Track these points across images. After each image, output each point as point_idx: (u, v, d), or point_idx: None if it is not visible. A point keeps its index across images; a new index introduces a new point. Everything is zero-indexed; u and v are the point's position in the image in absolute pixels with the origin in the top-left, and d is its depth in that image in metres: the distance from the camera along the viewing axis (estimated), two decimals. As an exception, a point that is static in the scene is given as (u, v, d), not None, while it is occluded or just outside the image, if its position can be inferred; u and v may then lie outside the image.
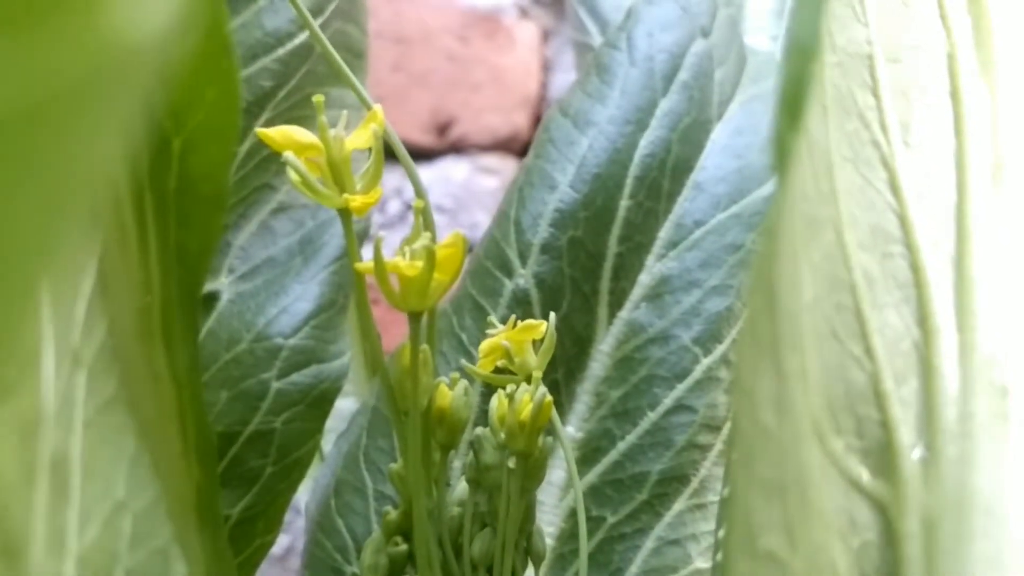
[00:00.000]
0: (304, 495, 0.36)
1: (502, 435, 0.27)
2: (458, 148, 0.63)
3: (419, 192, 0.26)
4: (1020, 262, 0.22)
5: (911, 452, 0.20)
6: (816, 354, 0.19)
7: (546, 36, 0.66)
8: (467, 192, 0.62)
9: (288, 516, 0.44)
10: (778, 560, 0.18)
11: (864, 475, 0.20)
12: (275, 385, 0.33)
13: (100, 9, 0.07)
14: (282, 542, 0.54)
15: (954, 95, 0.23)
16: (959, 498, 0.20)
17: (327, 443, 0.36)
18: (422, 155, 0.63)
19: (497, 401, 0.27)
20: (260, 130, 0.25)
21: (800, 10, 0.17)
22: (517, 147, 0.64)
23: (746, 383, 0.17)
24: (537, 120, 0.65)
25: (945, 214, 0.22)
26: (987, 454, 0.20)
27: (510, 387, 0.27)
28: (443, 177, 0.62)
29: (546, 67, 0.66)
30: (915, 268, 0.21)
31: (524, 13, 0.67)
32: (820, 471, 0.19)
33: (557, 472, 0.33)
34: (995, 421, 0.20)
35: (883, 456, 0.20)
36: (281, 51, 0.35)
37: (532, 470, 0.27)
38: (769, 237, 0.17)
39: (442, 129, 0.63)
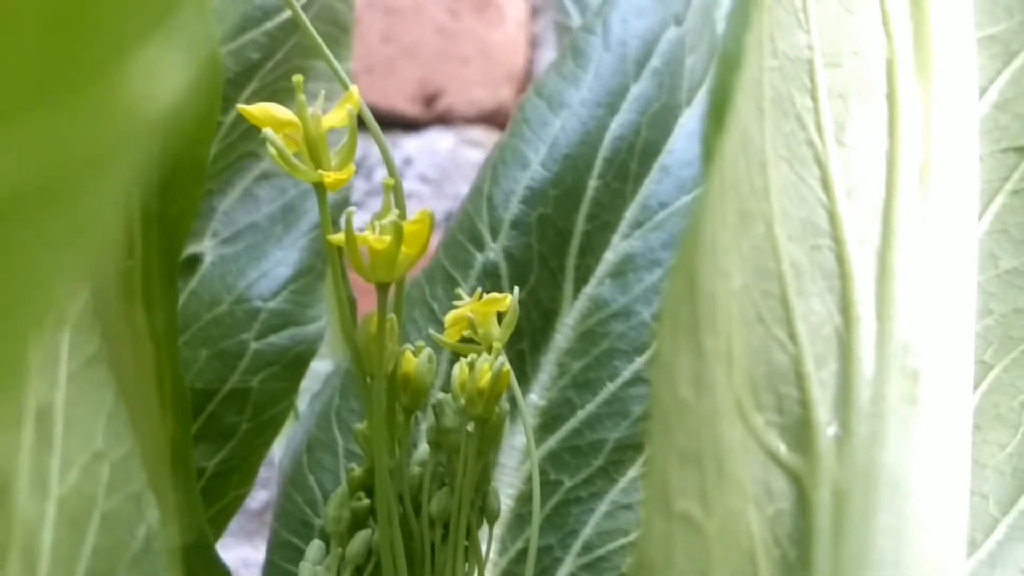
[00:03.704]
0: (279, 451, 0.38)
1: (462, 401, 0.29)
2: (444, 120, 0.65)
3: (391, 170, 0.28)
4: (940, 258, 0.24)
5: (827, 429, 0.22)
6: (742, 337, 0.21)
7: (535, 13, 0.68)
8: (452, 163, 0.63)
9: (268, 474, 0.46)
10: (692, 522, 0.19)
11: (782, 448, 0.22)
12: (253, 346, 0.35)
13: (122, 83, 0.07)
14: (261, 497, 0.56)
15: (890, 98, 0.25)
16: (868, 473, 0.22)
17: (302, 402, 0.38)
18: (409, 125, 0.65)
19: (459, 369, 0.29)
20: (241, 107, 0.26)
21: (730, 26, 0.18)
22: (502, 121, 0.65)
23: (666, 360, 0.18)
24: (523, 94, 0.66)
25: (873, 210, 0.23)
26: (896, 434, 0.22)
27: (471, 356, 0.29)
28: (429, 148, 0.64)
29: (533, 43, 0.67)
30: (841, 260, 0.23)
31: (511, -11, 0.68)
32: (740, 444, 0.21)
33: (519, 437, 0.35)
34: (905, 404, 0.22)
35: (800, 432, 0.22)
36: (269, 24, 0.36)
37: (489, 435, 0.29)
38: (692, 229, 0.18)
39: (429, 100, 0.65)
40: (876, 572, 0.21)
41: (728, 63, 0.18)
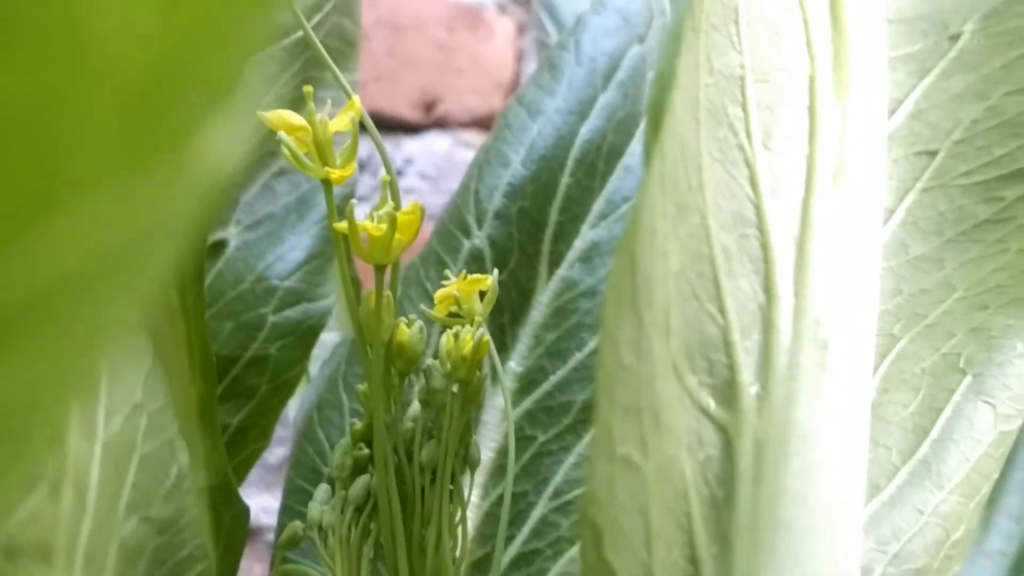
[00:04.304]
0: (293, 410, 0.39)
1: (448, 366, 0.30)
2: (441, 124, 0.66)
3: (388, 169, 0.29)
4: (849, 247, 0.25)
5: (750, 389, 0.23)
6: (679, 311, 0.23)
7: (521, 30, 0.69)
8: (448, 163, 0.65)
9: (285, 432, 0.48)
10: (632, 464, 0.21)
11: (711, 405, 0.23)
12: (271, 319, 0.36)
13: (196, 151, 0.07)
14: (279, 453, 0.57)
15: (811, 110, 0.26)
16: (783, 426, 0.23)
17: (313, 368, 0.39)
18: (410, 129, 0.66)
19: (445, 339, 0.30)
20: (260, 113, 0.28)
21: (665, 50, 0.20)
22: (492, 125, 0.67)
23: (610, 330, 0.20)
24: (511, 102, 0.67)
25: (793, 205, 0.25)
26: (807, 394, 0.23)
27: (456, 328, 0.30)
28: (428, 149, 0.65)
29: (520, 57, 0.68)
30: (764, 247, 0.24)
31: (503, 9, 0.69)
32: (676, 400, 0.22)
33: (499, 399, 0.36)
34: (815, 369, 0.23)
35: (727, 391, 0.23)
36: (286, 41, 0.37)
37: (471, 394, 0.30)
38: (632, 220, 0.20)
39: (428, 107, 0.66)
40: (788, 509, 0.22)
41: (663, 82, 0.19)
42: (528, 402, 0.36)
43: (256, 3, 0.06)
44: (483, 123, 0.67)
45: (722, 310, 0.23)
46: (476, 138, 0.67)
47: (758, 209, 0.24)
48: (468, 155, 0.66)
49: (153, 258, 0.07)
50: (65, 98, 0.06)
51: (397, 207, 0.28)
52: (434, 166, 0.65)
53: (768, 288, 0.24)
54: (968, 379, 0.27)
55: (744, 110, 0.25)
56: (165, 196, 0.07)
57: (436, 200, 0.63)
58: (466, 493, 0.31)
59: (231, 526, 0.27)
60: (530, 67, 0.69)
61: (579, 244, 0.37)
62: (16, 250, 0.06)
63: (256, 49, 0.07)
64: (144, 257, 0.07)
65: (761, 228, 0.24)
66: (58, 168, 0.06)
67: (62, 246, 0.06)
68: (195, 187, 0.07)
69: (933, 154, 0.28)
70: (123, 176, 0.06)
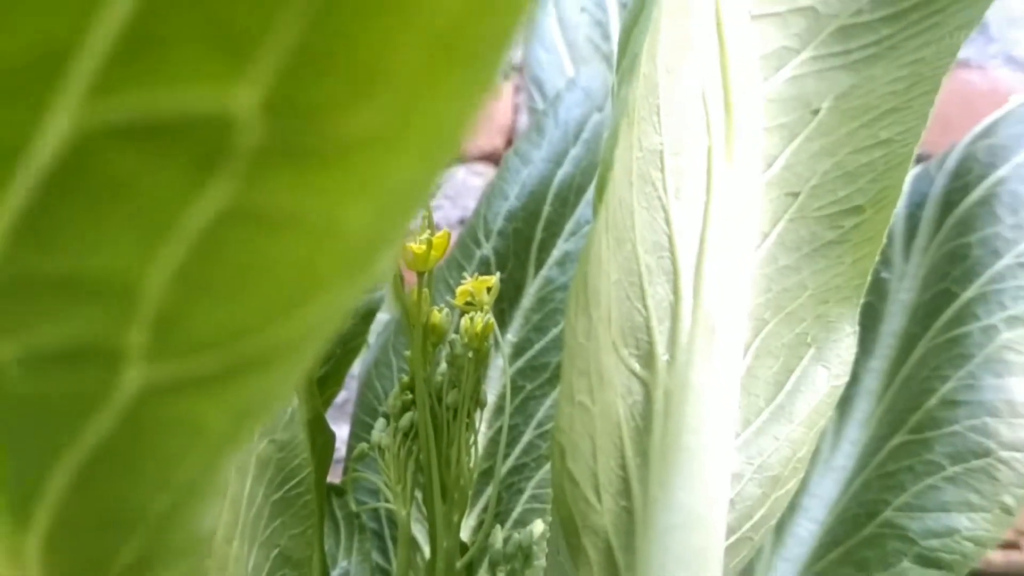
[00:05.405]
0: (357, 367, 0.43)
1: (466, 339, 0.34)
2: (459, 158, 0.70)
3: (427, 205, 0.33)
4: (731, 265, 0.29)
5: (662, 357, 0.27)
6: (616, 308, 0.27)
7: (517, 90, 0.73)
8: (463, 187, 0.68)
9: (348, 381, 0.51)
10: (584, 406, 0.25)
11: (637, 367, 0.27)
12: (342, 304, 0.40)
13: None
14: (342, 396, 0.61)
15: (708, 172, 0.29)
16: (683, 381, 0.27)
17: (371, 338, 0.43)
18: (436, 162, 0.70)
19: (464, 320, 0.34)
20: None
21: (607, 144, 0.24)
22: (496, 159, 0.70)
23: (571, 322, 0.24)
24: (509, 143, 0.71)
25: (695, 236, 0.28)
26: (700, 362, 0.27)
27: (471, 313, 0.34)
28: (448, 176, 0.69)
29: (516, 110, 0.72)
30: (674, 265, 0.28)
31: (504, 75, 0.73)
32: (614, 365, 0.26)
33: (500, 360, 0.40)
34: (706, 345, 0.27)
35: (648, 359, 0.27)
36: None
37: (481, 358, 0.33)
38: (584, 251, 0.24)
39: (449, 146, 0.70)
40: (685, 436, 0.26)
41: (604, 165, 0.23)
42: (520, 363, 0.40)
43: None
44: (489, 157, 0.71)
45: (645, 307, 0.27)
46: (484, 168, 0.71)
47: (670, 240, 0.28)
48: (477, 180, 0.70)
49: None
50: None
51: (432, 233, 0.32)
52: (453, 188, 0.68)
53: (676, 292, 0.28)
54: (812, 351, 0.30)
55: (663, 173, 0.28)
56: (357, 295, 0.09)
57: (454, 213, 0.67)
58: (477, 425, 0.34)
59: (322, 446, 0.31)
60: (523, 117, 0.72)
61: (556, 253, 0.40)
62: (291, 316, 0.09)
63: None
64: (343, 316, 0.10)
65: (672, 252, 0.28)
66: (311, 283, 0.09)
67: (311, 316, 0.09)
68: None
69: (797, 195, 0.31)
70: (347, 286, 0.09)
